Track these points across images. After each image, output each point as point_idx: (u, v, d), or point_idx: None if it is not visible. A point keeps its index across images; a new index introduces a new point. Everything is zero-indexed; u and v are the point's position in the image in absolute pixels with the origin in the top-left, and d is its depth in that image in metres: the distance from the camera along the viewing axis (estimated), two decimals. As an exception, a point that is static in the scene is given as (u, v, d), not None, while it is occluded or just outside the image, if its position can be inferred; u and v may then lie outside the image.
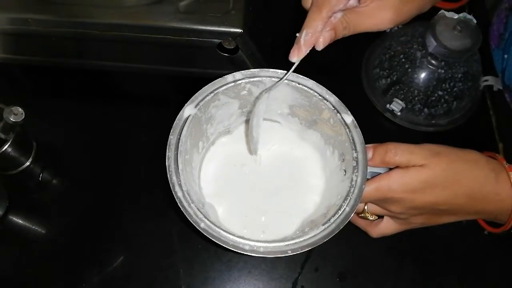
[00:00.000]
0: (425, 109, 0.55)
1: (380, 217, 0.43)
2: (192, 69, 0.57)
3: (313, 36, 0.38)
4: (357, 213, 0.42)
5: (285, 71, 0.40)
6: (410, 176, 0.37)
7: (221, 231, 0.34)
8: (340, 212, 0.35)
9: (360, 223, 0.45)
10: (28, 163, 0.52)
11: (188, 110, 0.39)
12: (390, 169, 0.38)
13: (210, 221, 0.34)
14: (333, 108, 0.39)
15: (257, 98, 0.42)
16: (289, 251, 0.34)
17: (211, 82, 0.40)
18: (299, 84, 0.40)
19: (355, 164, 0.37)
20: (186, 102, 0.39)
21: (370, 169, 0.38)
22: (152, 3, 0.49)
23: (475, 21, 0.49)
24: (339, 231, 0.35)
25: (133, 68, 0.57)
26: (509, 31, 0.54)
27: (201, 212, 0.35)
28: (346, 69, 0.61)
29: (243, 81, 0.40)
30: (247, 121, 0.47)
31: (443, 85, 0.53)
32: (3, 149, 0.46)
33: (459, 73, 0.52)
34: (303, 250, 0.34)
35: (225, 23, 0.48)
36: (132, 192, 0.52)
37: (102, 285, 0.47)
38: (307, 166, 0.46)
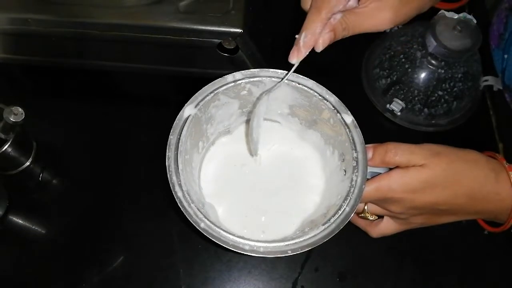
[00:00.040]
0: (425, 109, 0.55)
1: (380, 217, 0.43)
2: (192, 69, 0.57)
3: (312, 38, 0.38)
4: (357, 213, 0.42)
5: (285, 71, 0.40)
6: (410, 176, 0.37)
7: (221, 231, 0.34)
8: (340, 212, 0.35)
9: (360, 223, 0.45)
10: (28, 163, 0.52)
11: (188, 110, 0.39)
12: (390, 169, 0.38)
13: (210, 221, 0.34)
14: (333, 108, 0.39)
15: (257, 99, 0.42)
16: (289, 251, 0.34)
17: (211, 82, 0.40)
18: (299, 84, 0.40)
19: (355, 164, 0.37)
20: (186, 102, 0.39)
21: (370, 169, 0.38)
22: (152, 3, 0.49)
23: (475, 21, 0.49)
24: (339, 231, 0.35)
25: (133, 68, 0.57)
26: (509, 31, 0.54)
27: (201, 212, 0.35)
28: (346, 69, 0.61)
29: (243, 81, 0.40)
30: (247, 121, 0.47)
31: (443, 85, 0.53)
32: (3, 149, 0.46)
33: (459, 73, 0.52)
34: (303, 250, 0.34)
35: (225, 23, 0.48)
36: (132, 192, 0.52)
37: (102, 285, 0.47)
38: (307, 166, 0.46)
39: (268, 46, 0.59)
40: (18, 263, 0.49)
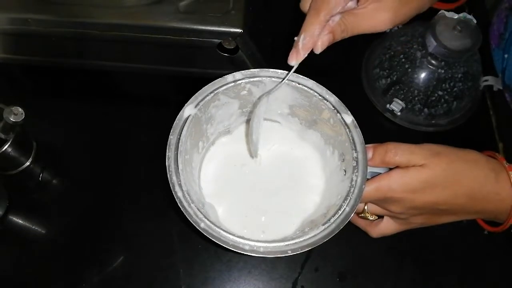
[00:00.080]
0: (425, 109, 0.55)
1: (380, 217, 0.43)
2: (192, 69, 0.57)
3: (311, 40, 0.38)
4: (357, 213, 0.42)
5: (285, 71, 0.40)
6: (410, 176, 0.37)
7: (221, 231, 0.34)
8: (340, 212, 0.35)
9: (360, 223, 0.45)
10: (28, 163, 0.52)
11: (188, 110, 0.39)
12: (390, 169, 0.38)
13: (210, 221, 0.34)
14: (333, 108, 0.39)
15: (258, 100, 0.42)
16: (289, 251, 0.34)
17: (211, 82, 0.40)
18: (299, 84, 0.40)
19: (355, 164, 0.37)
20: (186, 102, 0.39)
21: (370, 169, 0.38)
22: (152, 3, 0.49)
23: (475, 21, 0.49)
24: (339, 231, 0.35)
25: (133, 68, 0.57)
26: (509, 31, 0.54)
27: (201, 212, 0.35)
28: (346, 69, 0.61)
29: (243, 81, 0.40)
30: (247, 121, 0.47)
31: (443, 85, 0.53)
32: (3, 149, 0.46)
33: (459, 73, 0.52)
34: (303, 250, 0.34)
35: (225, 23, 0.48)
36: (132, 192, 0.52)
37: (102, 285, 0.47)
38: (307, 166, 0.46)
39: (268, 46, 0.59)
40: (18, 263, 0.49)
